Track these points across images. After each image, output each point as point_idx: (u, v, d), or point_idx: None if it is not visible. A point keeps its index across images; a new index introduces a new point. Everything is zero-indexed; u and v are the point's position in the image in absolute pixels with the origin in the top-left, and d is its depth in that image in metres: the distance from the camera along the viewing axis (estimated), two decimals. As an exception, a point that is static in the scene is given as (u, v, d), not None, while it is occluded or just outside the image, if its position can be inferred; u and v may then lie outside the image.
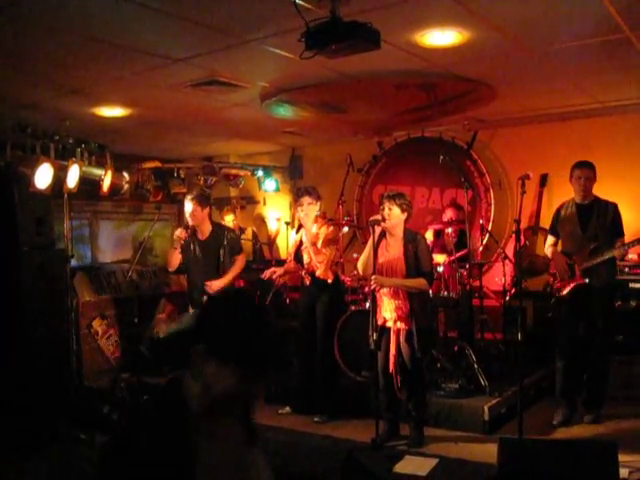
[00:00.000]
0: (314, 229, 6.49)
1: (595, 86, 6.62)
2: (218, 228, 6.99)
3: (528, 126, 8.10)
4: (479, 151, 8.51)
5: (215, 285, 6.62)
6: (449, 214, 7.78)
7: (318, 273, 6.46)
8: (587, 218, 6.01)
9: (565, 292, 6.04)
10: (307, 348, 6.69)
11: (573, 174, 6.05)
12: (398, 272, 5.53)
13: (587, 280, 5.90)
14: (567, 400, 6.08)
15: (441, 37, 4.88)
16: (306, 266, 6.58)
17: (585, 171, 6.00)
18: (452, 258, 6.99)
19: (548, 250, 6.34)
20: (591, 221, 5.98)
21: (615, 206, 6.02)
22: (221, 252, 6.74)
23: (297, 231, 7.02)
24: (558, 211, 6.25)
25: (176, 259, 6.77)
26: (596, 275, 5.90)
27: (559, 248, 6.26)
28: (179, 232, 6.65)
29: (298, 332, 6.93)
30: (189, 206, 6.68)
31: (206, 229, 6.79)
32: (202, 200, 6.76)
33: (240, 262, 6.91)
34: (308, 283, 6.59)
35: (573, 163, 6.12)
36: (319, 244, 6.41)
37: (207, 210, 6.83)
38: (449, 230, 7.31)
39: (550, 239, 6.35)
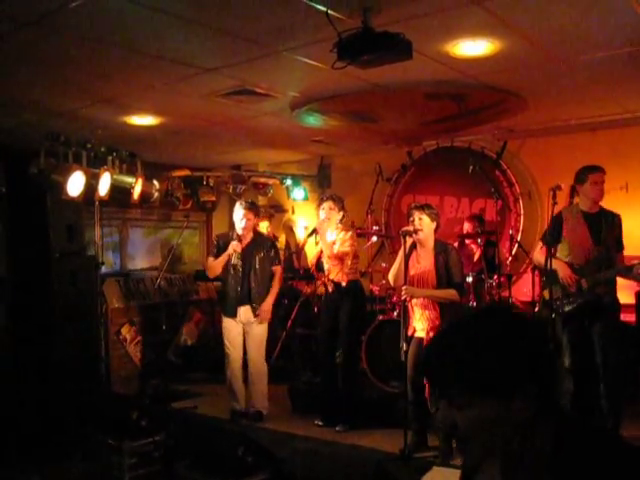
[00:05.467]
0: (333, 236, 6.50)
1: (626, 96, 6.56)
2: (259, 236, 7.09)
3: (558, 136, 8.04)
4: (508, 161, 8.46)
5: (265, 310, 6.83)
6: (467, 227, 7.75)
7: (332, 276, 6.49)
8: (597, 229, 5.64)
9: (569, 309, 5.63)
10: (328, 356, 6.69)
11: (588, 179, 5.62)
12: (429, 283, 5.51)
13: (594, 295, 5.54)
14: None
15: (473, 47, 4.87)
16: (327, 274, 6.59)
17: (603, 175, 5.63)
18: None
19: (539, 257, 5.83)
20: (602, 232, 5.63)
21: (620, 217, 5.71)
22: (257, 259, 6.81)
23: (310, 234, 7.02)
24: (560, 219, 5.78)
25: (220, 267, 6.84)
26: (607, 289, 5.58)
27: (562, 258, 5.78)
28: (236, 246, 6.72)
29: (319, 340, 6.91)
30: (242, 213, 6.75)
31: (248, 235, 6.87)
32: (255, 209, 6.91)
33: (280, 274, 7.04)
34: (330, 290, 6.60)
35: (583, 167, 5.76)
36: (335, 249, 6.42)
37: (257, 220, 7.01)
38: (474, 245, 7.32)
39: (545, 249, 5.75)
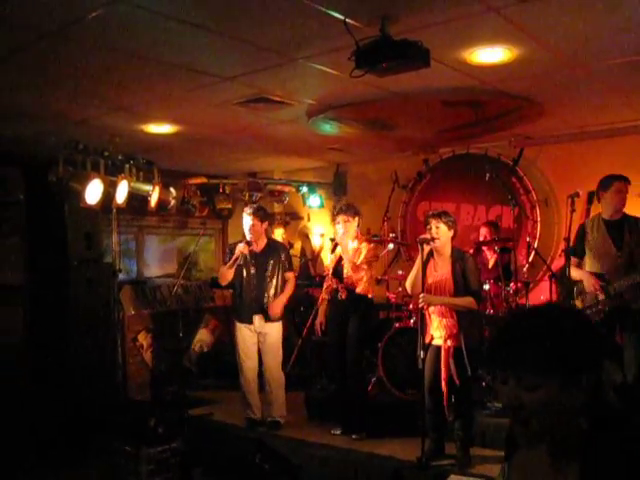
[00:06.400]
0: (354, 244, 6.50)
1: (644, 102, 6.54)
2: (273, 243, 7.10)
3: (575, 143, 7.98)
4: (525, 168, 8.42)
5: (274, 308, 6.80)
6: (483, 232, 7.72)
7: (359, 290, 6.46)
8: (619, 235, 5.69)
9: (599, 317, 5.60)
10: (341, 363, 6.64)
11: (611, 187, 5.72)
12: (447, 291, 5.50)
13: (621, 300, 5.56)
14: None
15: (490, 54, 4.86)
16: (345, 280, 6.58)
17: (627, 184, 5.72)
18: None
19: (573, 272, 5.86)
20: (624, 238, 5.66)
21: None
22: (270, 267, 6.80)
23: (332, 251, 7.01)
24: (583, 230, 5.89)
25: (231, 273, 6.82)
26: (634, 295, 5.55)
27: (587, 269, 5.84)
28: (243, 247, 6.70)
29: (331, 347, 6.89)
30: (249, 220, 6.75)
31: (262, 243, 6.88)
32: (261, 214, 6.85)
33: (293, 281, 7.03)
34: (344, 297, 6.58)
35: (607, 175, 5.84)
36: (359, 260, 6.41)
37: (265, 224, 6.93)
38: (489, 252, 7.29)
39: (574, 261, 5.91)
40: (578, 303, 5.75)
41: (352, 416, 6.53)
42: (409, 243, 8.97)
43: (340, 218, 6.48)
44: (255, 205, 7.12)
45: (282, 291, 6.88)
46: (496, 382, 1.80)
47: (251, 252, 6.79)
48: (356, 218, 6.51)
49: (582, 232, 5.90)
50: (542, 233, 8.27)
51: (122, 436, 5.98)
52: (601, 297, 5.66)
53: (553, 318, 1.78)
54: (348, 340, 6.48)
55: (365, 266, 6.41)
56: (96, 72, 5.18)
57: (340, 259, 6.64)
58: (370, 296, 6.49)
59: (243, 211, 6.94)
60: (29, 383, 6.90)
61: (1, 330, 6.84)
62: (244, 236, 6.91)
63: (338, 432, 6.56)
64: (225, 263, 6.93)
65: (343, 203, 6.82)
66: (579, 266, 5.86)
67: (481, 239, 7.68)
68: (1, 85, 5.51)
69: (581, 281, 5.81)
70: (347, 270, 6.54)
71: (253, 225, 6.73)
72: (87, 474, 6.15)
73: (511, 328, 1.80)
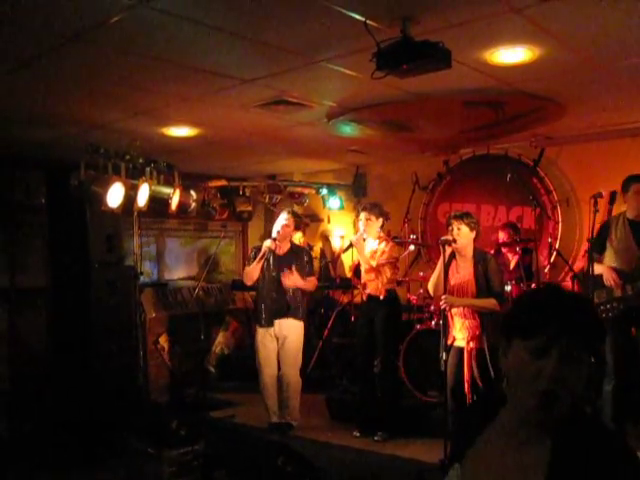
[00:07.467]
0: (374, 245, 6.49)
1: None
2: (296, 247, 7.09)
3: (596, 142, 7.92)
4: (546, 168, 8.37)
5: (290, 282, 6.81)
6: (501, 236, 7.67)
7: (368, 290, 6.48)
8: None
9: (614, 313, 5.62)
10: (366, 365, 6.66)
11: (630, 189, 5.75)
12: (469, 293, 5.48)
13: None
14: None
15: (511, 55, 4.83)
16: (363, 281, 6.58)
17: None
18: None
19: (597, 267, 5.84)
20: None
21: None
22: (293, 270, 6.77)
23: (345, 250, 7.01)
24: (607, 227, 5.84)
25: (257, 271, 6.81)
26: None
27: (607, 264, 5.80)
28: (270, 243, 6.72)
29: (357, 349, 6.89)
30: (284, 218, 6.76)
31: (285, 246, 6.87)
32: (298, 219, 6.94)
33: (312, 283, 7.00)
34: (365, 299, 6.59)
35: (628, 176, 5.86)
36: (375, 263, 6.40)
37: (296, 231, 7.02)
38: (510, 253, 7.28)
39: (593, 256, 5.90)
40: (595, 298, 5.72)
41: (375, 418, 6.53)
42: (430, 244, 8.95)
43: (363, 215, 6.49)
44: (294, 211, 7.13)
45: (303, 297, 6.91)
46: (529, 356, 1.66)
47: (274, 255, 6.79)
48: (380, 219, 6.52)
49: (606, 229, 5.86)
50: (563, 234, 8.21)
51: (144, 438, 6.00)
52: (618, 293, 5.62)
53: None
54: (377, 339, 6.49)
55: (381, 268, 6.40)
56: (117, 76, 5.21)
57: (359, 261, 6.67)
58: (381, 297, 6.46)
59: (276, 210, 6.96)
60: (50, 385, 6.95)
61: (24, 332, 6.90)
62: (264, 237, 6.92)
63: (358, 434, 6.56)
64: (249, 264, 6.91)
65: (370, 201, 6.79)
66: (598, 262, 5.80)
67: (499, 242, 7.64)
68: (23, 90, 5.56)
69: (600, 275, 5.73)
70: (364, 275, 6.56)
71: (287, 225, 6.74)
72: (110, 476, 6.17)
73: (549, 297, 1.73)
